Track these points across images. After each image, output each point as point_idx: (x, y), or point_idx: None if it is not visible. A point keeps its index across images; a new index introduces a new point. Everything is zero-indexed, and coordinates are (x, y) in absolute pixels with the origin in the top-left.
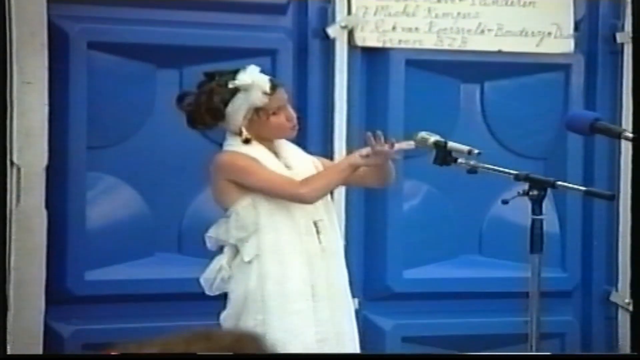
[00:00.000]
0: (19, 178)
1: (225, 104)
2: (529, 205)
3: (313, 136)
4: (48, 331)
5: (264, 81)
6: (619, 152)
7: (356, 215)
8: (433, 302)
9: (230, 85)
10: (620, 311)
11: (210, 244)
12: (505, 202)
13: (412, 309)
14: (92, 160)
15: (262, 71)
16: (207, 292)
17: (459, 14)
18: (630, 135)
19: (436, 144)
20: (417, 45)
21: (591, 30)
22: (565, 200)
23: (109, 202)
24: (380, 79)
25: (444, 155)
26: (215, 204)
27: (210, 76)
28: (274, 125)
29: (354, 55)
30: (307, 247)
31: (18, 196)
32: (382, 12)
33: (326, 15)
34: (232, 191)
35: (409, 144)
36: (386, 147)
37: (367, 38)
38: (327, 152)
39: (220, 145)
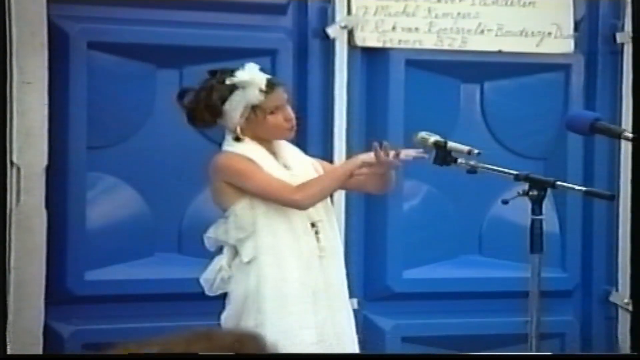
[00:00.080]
0: (18, 178)
1: (223, 102)
2: (529, 205)
3: (313, 136)
4: (48, 331)
5: (261, 79)
6: (619, 152)
7: (356, 215)
8: (433, 302)
9: (228, 82)
10: (620, 311)
11: (209, 244)
12: (505, 202)
13: (412, 309)
14: (92, 160)
15: (263, 71)
16: (207, 293)
17: (459, 14)
18: (630, 135)
19: (436, 144)
20: (417, 46)
21: (591, 30)
22: (565, 200)
23: (109, 202)
24: (380, 79)
25: (444, 155)
26: (215, 204)
27: (212, 74)
28: (271, 124)
29: (353, 55)
30: (306, 247)
31: (18, 196)
32: (382, 12)
33: (326, 15)
34: (230, 192)
35: (418, 152)
36: (391, 158)
37: (367, 38)
38: (326, 152)
39: (220, 145)
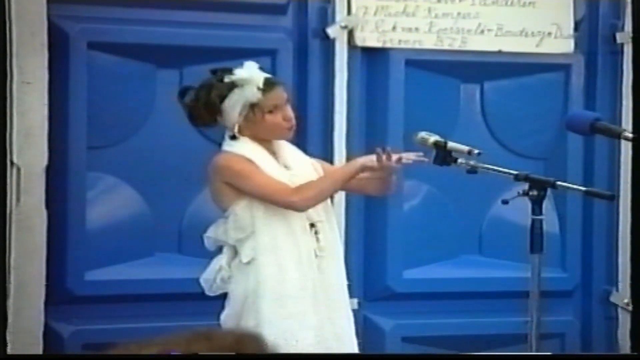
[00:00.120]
0: (18, 178)
1: (222, 100)
2: (529, 205)
3: (313, 136)
4: (48, 331)
5: (260, 77)
6: (619, 152)
7: (356, 215)
8: (433, 302)
9: (227, 80)
10: (620, 311)
11: (208, 244)
12: (505, 202)
13: (412, 309)
14: (92, 160)
15: (262, 70)
16: (207, 293)
17: (459, 14)
18: (630, 135)
19: (436, 144)
20: (417, 46)
21: (591, 30)
22: (566, 200)
23: (109, 202)
24: (380, 79)
25: (444, 156)
26: (214, 204)
27: (214, 73)
28: (269, 124)
29: (353, 55)
30: (305, 248)
31: (18, 196)
32: (382, 12)
33: (326, 16)
34: (229, 193)
35: (419, 155)
36: (393, 163)
37: (367, 38)
38: (326, 152)
39: (220, 145)
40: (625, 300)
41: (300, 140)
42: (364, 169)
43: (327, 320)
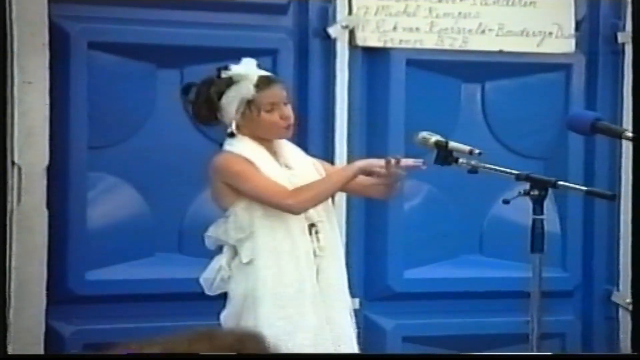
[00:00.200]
0: (19, 178)
1: (220, 96)
2: (530, 205)
3: (314, 136)
4: (49, 331)
5: (255, 73)
6: (620, 152)
7: (357, 215)
8: (434, 302)
9: (223, 76)
10: (621, 311)
11: (209, 244)
12: (506, 202)
13: (413, 308)
14: (93, 160)
15: (262, 68)
16: (207, 292)
17: (459, 13)
18: (631, 135)
19: (437, 143)
20: (418, 45)
21: (592, 30)
22: (566, 200)
23: (110, 202)
24: (381, 79)
25: (445, 155)
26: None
27: (218, 70)
28: (265, 122)
29: (354, 55)
30: (304, 249)
31: (19, 196)
32: (383, 12)
33: (327, 15)
34: (229, 193)
35: (417, 162)
36: (400, 170)
37: (368, 38)
38: (327, 152)
39: (221, 145)
40: (627, 300)
41: (301, 140)
42: (361, 172)
43: (326, 320)
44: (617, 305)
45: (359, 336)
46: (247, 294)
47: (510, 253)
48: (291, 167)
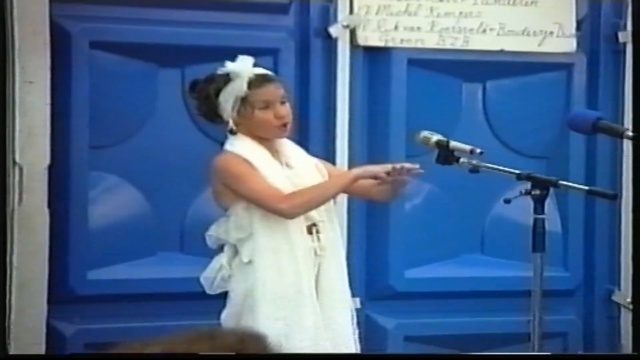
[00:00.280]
0: (21, 177)
1: (218, 93)
2: (531, 204)
3: (315, 135)
4: (50, 330)
5: (249, 71)
6: (621, 152)
7: (358, 215)
8: (435, 302)
9: (220, 72)
10: (622, 310)
11: (210, 243)
12: (507, 201)
13: (414, 308)
14: (94, 159)
15: (262, 67)
16: (208, 291)
17: (461, 13)
18: (632, 134)
19: (438, 143)
20: (419, 45)
21: (593, 29)
22: (568, 199)
23: (111, 202)
24: (382, 78)
25: (446, 155)
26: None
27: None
28: (258, 120)
29: (356, 54)
30: (304, 250)
31: (20, 195)
32: (384, 12)
33: (328, 15)
34: (229, 194)
35: (414, 167)
36: (405, 177)
37: (369, 37)
38: (328, 151)
39: (222, 144)
40: (628, 299)
41: (302, 139)
42: (358, 180)
43: (326, 320)
44: (618, 305)
45: (360, 335)
46: (247, 293)
47: (512, 252)
48: (292, 167)
